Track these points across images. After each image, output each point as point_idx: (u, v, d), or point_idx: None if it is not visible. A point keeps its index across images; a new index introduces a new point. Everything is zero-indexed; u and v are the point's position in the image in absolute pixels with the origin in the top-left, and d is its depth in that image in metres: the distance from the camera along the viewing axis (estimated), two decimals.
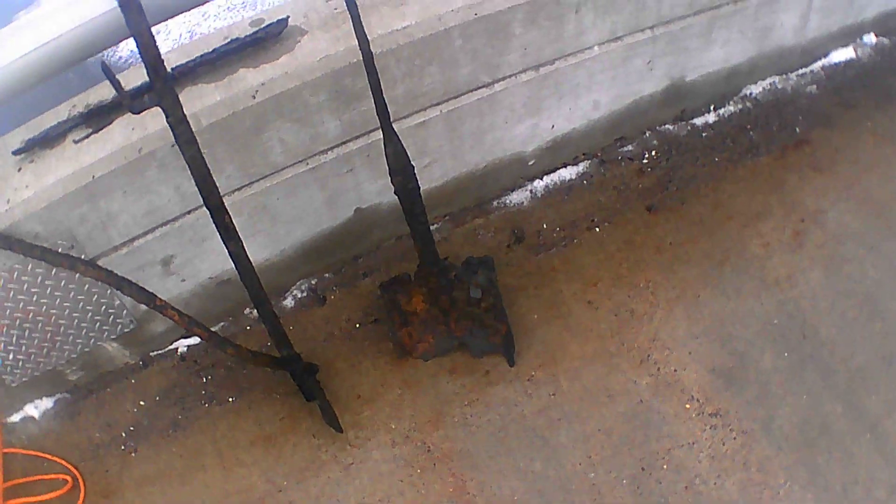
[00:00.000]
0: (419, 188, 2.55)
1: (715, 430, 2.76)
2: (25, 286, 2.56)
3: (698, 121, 3.72)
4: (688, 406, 2.82)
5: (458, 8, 2.69)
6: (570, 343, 2.98)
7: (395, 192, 2.54)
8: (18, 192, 2.44)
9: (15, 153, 2.52)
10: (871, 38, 4.06)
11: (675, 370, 2.90)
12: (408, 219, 2.61)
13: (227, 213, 2.24)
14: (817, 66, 3.94)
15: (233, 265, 2.34)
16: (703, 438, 2.75)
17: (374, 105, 2.40)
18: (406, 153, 2.46)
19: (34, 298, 2.61)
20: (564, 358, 2.95)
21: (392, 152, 2.45)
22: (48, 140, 2.56)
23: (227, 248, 2.29)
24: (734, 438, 2.74)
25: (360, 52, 2.31)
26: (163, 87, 2.03)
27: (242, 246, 2.30)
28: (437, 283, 2.88)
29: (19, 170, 2.51)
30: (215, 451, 2.86)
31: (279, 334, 2.56)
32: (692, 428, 2.77)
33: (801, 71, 3.91)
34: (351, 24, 2.31)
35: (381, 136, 2.50)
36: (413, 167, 2.49)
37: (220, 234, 2.28)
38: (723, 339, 2.97)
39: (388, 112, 2.41)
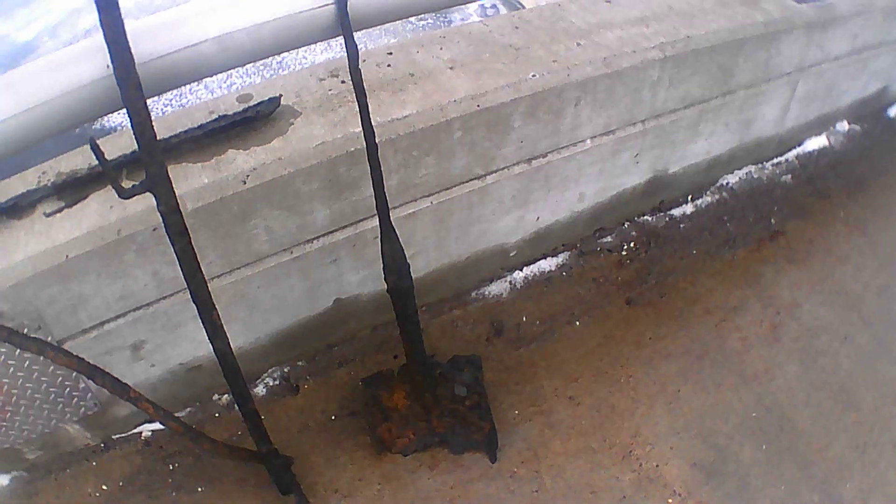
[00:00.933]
0: (413, 287, 2.46)
1: None
2: None
3: (676, 211, 3.83)
4: (670, 501, 2.81)
5: (460, 99, 2.70)
6: (552, 439, 2.98)
7: (388, 291, 2.49)
8: None
9: None
10: (843, 126, 4.25)
11: (657, 465, 2.90)
12: (399, 318, 2.57)
13: (216, 309, 2.16)
14: (792, 154, 4.11)
15: (204, 351, 2.18)
16: None
17: (368, 196, 2.34)
18: (403, 253, 2.44)
19: None
20: (547, 454, 2.93)
21: (389, 251, 2.39)
22: (16, 209, 2.41)
23: (212, 345, 2.22)
24: None
25: (361, 140, 2.28)
26: (157, 172, 1.92)
27: (229, 343, 2.24)
28: (421, 381, 2.88)
29: None
30: None
31: (259, 431, 2.51)
32: None
33: (776, 160, 4.07)
34: (347, 108, 2.19)
35: (369, 226, 2.45)
36: (409, 266, 2.48)
37: (206, 330, 2.19)
38: (703, 434, 2.99)
39: (388, 208, 2.29)
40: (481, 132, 2.76)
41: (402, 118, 2.60)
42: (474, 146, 2.79)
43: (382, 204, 2.31)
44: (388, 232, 2.36)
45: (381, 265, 2.43)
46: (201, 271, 2.05)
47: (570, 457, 2.90)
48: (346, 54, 2.13)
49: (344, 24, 2.07)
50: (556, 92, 2.82)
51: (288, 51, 2.17)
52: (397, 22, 2.41)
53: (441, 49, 2.93)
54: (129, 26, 1.74)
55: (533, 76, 2.80)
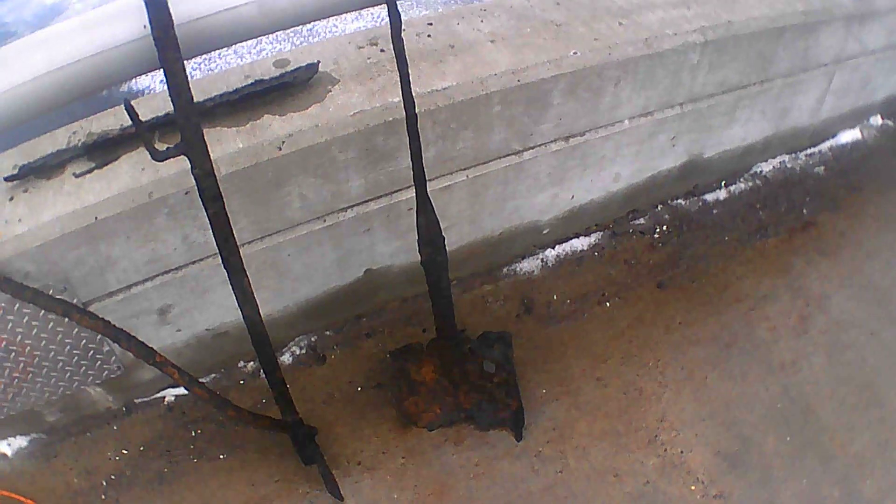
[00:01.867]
0: (447, 261, 2.41)
1: None
2: (10, 325, 2.37)
3: (709, 197, 3.78)
4: (693, 488, 2.78)
5: (500, 73, 2.65)
6: (578, 420, 2.95)
7: (421, 263, 2.47)
8: (10, 225, 2.24)
9: (7, 179, 2.34)
10: (877, 120, 4.19)
11: (682, 452, 2.87)
12: (431, 290, 2.53)
13: (247, 275, 2.13)
14: (825, 146, 4.05)
15: (232, 318, 2.13)
16: None
17: (404, 167, 2.28)
18: (439, 225, 2.40)
19: (18, 339, 2.41)
20: (573, 435, 2.90)
21: (425, 223, 2.35)
22: (45, 169, 2.38)
23: (241, 311, 2.20)
24: None
25: (400, 110, 2.26)
26: (193, 135, 1.87)
27: (258, 310, 2.21)
28: (450, 355, 2.84)
29: (11, 199, 2.32)
30: None
31: (285, 400, 2.49)
32: None
33: (809, 151, 4.01)
34: (386, 77, 2.11)
35: (404, 198, 2.37)
36: (444, 239, 2.44)
37: (236, 296, 2.16)
38: (728, 423, 2.95)
39: (426, 180, 2.20)
40: (520, 107, 2.71)
41: (441, 90, 2.55)
42: (513, 121, 2.74)
43: (420, 175, 2.27)
44: (424, 204, 2.32)
45: (415, 237, 2.40)
46: (234, 236, 2.02)
47: (596, 438, 2.87)
48: (385, 23, 2.07)
49: None
50: (597, 70, 2.76)
51: (331, 16, 2.11)
52: None
53: (482, 21, 2.87)
54: None
55: (574, 53, 2.74)
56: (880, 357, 3.17)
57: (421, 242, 2.39)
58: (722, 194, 3.76)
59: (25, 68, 1.76)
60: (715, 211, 3.68)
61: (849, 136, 4.08)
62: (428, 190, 2.33)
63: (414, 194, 2.32)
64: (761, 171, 3.85)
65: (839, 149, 4.03)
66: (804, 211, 3.73)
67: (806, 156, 3.96)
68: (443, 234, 2.39)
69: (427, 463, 2.80)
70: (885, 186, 3.91)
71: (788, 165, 3.90)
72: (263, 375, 2.45)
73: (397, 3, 2.04)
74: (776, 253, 3.54)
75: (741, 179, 3.81)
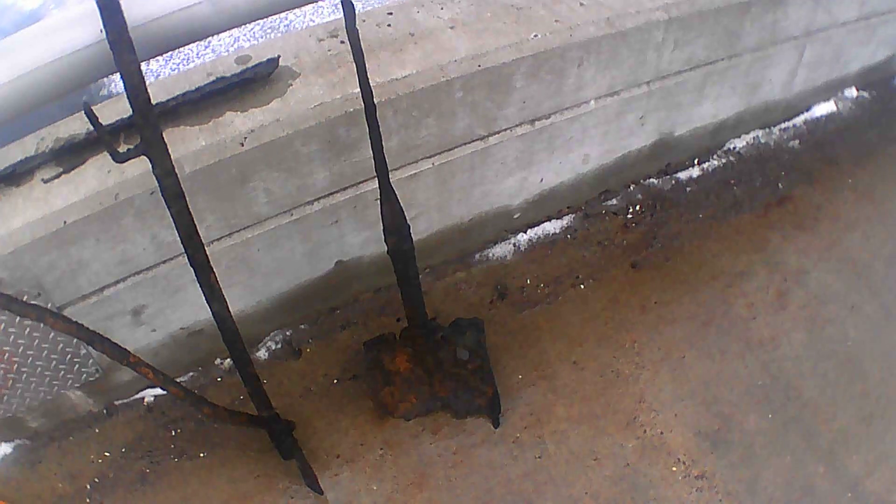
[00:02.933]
0: (413, 249, 2.43)
1: (701, 492, 2.74)
2: None
3: (682, 175, 3.78)
4: (674, 469, 2.79)
5: (460, 59, 2.66)
6: (555, 405, 2.95)
7: (388, 253, 2.48)
8: None
9: None
10: (852, 92, 4.19)
11: (662, 432, 2.88)
12: (399, 280, 2.55)
13: (213, 271, 2.15)
14: (800, 119, 4.07)
15: (205, 316, 2.15)
16: (689, 501, 2.72)
17: (368, 157, 2.33)
18: (403, 213, 2.41)
19: None
20: (550, 420, 2.91)
21: (389, 212, 2.36)
22: (14, 177, 2.40)
23: (210, 307, 2.21)
24: (720, 500, 2.71)
25: (360, 101, 2.24)
26: (152, 135, 1.90)
27: (227, 306, 2.22)
28: (423, 344, 2.86)
29: None
30: None
31: (260, 395, 2.49)
32: (678, 491, 2.74)
33: (784, 125, 4.01)
34: (346, 68, 2.13)
35: (370, 188, 2.39)
36: (409, 227, 2.46)
37: (204, 293, 2.18)
38: (708, 402, 2.96)
39: (388, 168, 2.25)
40: (483, 92, 2.71)
41: (401, 78, 2.56)
42: (476, 107, 2.75)
43: (381, 165, 2.28)
44: (387, 193, 2.34)
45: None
46: (198, 234, 2.04)
47: (574, 423, 2.88)
48: (348, 21, 2.09)
49: None
50: (559, 52, 2.76)
51: (283, 11, 2.14)
52: None
53: (442, 9, 2.87)
54: None
55: (535, 36, 2.74)
56: (861, 330, 3.18)
57: (386, 232, 2.40)
58: (695, 172, 3.76)
59: None
60: (688, 189, 3.69)
61: (823, 108, 4.08)
62: (393, 179, 2.35)
63: None
64: (734, 148, 3.85)
65: (814, 122, 4.02)
66: (779, 185, 3.73)
67: (780, 130, 3.96)
68: (408, 222, 2.40)
69: (405, 453, 2.81)
70: (862, 158, 3.91)
71: (762, 141, 3.90)
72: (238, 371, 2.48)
73: None
74: (752, 229, 3.54)
75: (714, 156, 3.81)
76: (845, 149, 3.94)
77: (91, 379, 2.76)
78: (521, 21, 2.81)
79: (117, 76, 1.83)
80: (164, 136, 1.90)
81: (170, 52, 2.09)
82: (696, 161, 3.78)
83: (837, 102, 4.11)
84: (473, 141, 2.88)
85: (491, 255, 3.42)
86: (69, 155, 2.41)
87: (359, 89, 2.15)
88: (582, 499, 2.71)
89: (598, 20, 2.85)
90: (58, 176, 2.36)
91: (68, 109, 2.49)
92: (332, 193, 2.72)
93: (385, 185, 2.33)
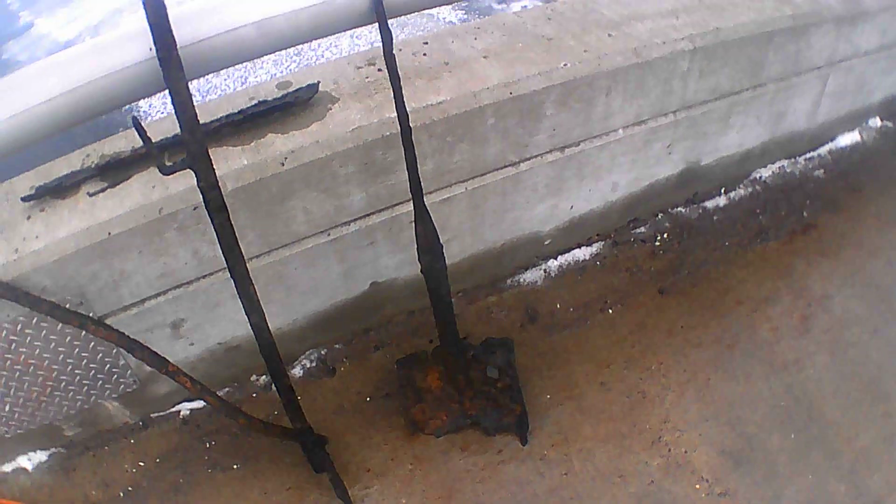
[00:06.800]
0: (446, 268, 2.52)
1: None
2: (28, 339, 2.49)
3: (709, 204, 3.85)
4: (697, 486, 2.83)
5: (493, 86, 2.75)
6: (582, 424, 3.01)
7: (421, 272, 2.55)
8: (28, 242, 2.37)
9: (24, 199, 2.46)
10: (876, 122, 4.26)
11: (686, 451, 2.93)
12: (432, 298, 2.62)
13: (252, 283, 2.22)
14: (824, 149, 4.13)
15: (243, 332, 2.25)
16: None
17: (403, 180, 2.40)
18: (436, 233, 2.48)
19: (36, 352, 2.55)
20: (577, 438, 2.97)
21: (422, 231, 2.44)
22: (60, 189, 2.50)
23: (248, 319, 2.28)
24: None
25: (396, 125, 2.30)
26: (197, 149, 1.98)
27: (265, 318, 2.29)
28: (454, 362, 2.92)
29: (28, 218, 2.44)
30: None
31: (294, 408, 2.56)
32: None
33: (808, 155, 4.09)
34: (383, 94, 2.25)
35: (405, 210, 2.48)
36: (442, 247, 2.52)
37: (243, 304, 2.25)
38: (732, 422, 3.01)
39: (422, 189, 2.35)
40: (514, 119, 2.81)
41: (436, 104, 2.65)
42: (507, 133, 2.84)
43: (416, 185, 2.36)
44: (421, 213, 2.41)
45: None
46: (239, 246, 2.11)
47: (600, 441, 2.93)
48: (381, 42, 2.20)
49: (378, 11, 2.13)
50: (587, 81, 2.86)
51: (324, 36, 2.23)
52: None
53: (476, 39, 2.97)
54: (172, 11, 1.82)
55: (564, 65, 2.83)
56: (884, 353, 3.21)
57: (420, 250, 2.46)
58: (722, 201, 3.83)
59: (41, 90, 1.89)
60: (715, 217, 3.76)
61: (848, 139, 4.14)
62: (427, 202, 2.44)
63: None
64: (761, 177, 3.92)
65: (838, 152, 4.09)
66: (804, 214, 3.79)
67: (805, 160, 4.02)
68: (440, 241, 2.46)
69: (435, 468, 2.87)
70: (886, 186, 3.97)
71: (788, 170, 3.96)
72: (273, 384, 2.56)
73: (387, 20, 2.20)
74: (777, 256, 3.61)
75: (741, 186, 3.88)
76: (869, 177, 4.00)
77: (128, 390, 2.84)
78: (552, 51, 2.91)
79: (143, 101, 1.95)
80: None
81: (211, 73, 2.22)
82: (722, 190, 3.85)
83: (861, 132, 4.17)
84: (505, 167, 2.97)
85: (522, 280, 3.50)
86: (114, 170, 2.51)
87: (394, 114, 2.27)
88: None
89: (625, 50, 2.94)
90: (103, 190, 2.45)
91: (107, 129, 2.63)
92: (368, 215, 2.80)
93: (419, 205, 2.40)
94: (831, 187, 3.94)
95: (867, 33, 3.71)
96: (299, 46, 2.62)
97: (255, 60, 2.43)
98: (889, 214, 3.83)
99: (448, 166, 2.82)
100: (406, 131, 2.27)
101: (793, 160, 3.99)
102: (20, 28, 6.69)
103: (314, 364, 3.19)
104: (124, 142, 2.60)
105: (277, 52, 2.22)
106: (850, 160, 4.08)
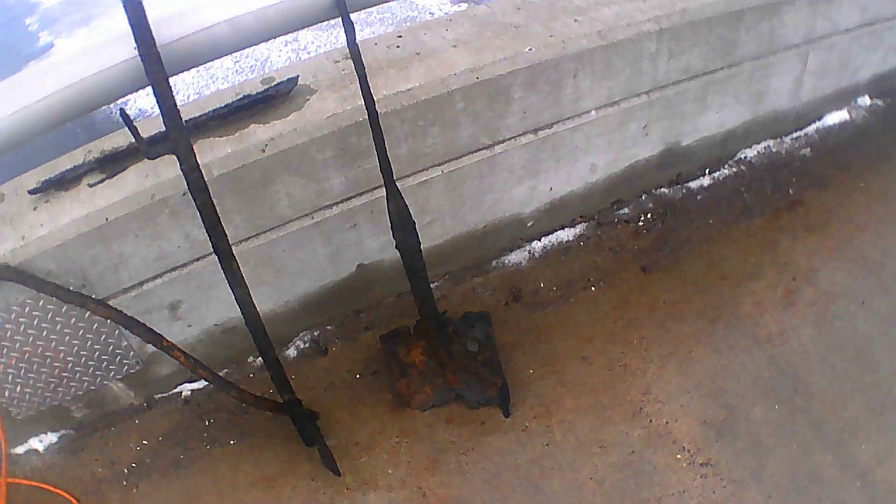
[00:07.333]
0: (420, 244, 2.70)
1: (705, 479, 2.82)
2: (36, 321, 2.70)
3: (693, 184, 3.91)
4: (679, 456, 2.89)
5: (460, 72, 2.89)
6: (564, 396, 3.09)
7: (396, 247, 2.69)
8: (34, 229, 2.59)
9: (31, 192, 2.70)
10: (865, 100, 4.26)
11: (667, 422, 2.98)
12: (408, 274, 2.76)
13: (235, 259, 2.37)
14: (811, 128, 4.14)
15: (237, 313, 2.41)
16: (693, 487, 2.81)
17: (378, 163, 2.50)
18: (408, 209, 2.61)
19: (44, 334, 2.74)
20: (559, 410, 3.05)
21: (395, 208, 2.58)
22: (63, 182, 2.73)
23: (233, 293, 2.42)
24: (724, 487, 2.80)
25: (366, 111, 2.46)
26: (178, 134, 2.19)
27: (248, 292, 2.43)
28: (435, 337, 3.04)
29: (35, 209, 2.67)
30: (215, 491, 2.95)
31: (281, 379, 2.68)
32: (683, 477, 2.83)
33: (795, 134, 4.11)
34: (357, 85, 2.40)
35: (385, 193, 2.58)
36: (414, 223, 2.65)
37: (227, 279, 2.41)
38: (714, 393, 3.06)
39: (392, 169, 2.55)
40: (483, 103, 2.93)
41: (406, 90, 2.81)
42: (478, 116, 2.97)
43: (385, 165, 2.53)
44: (392, 191, 2.57)
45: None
46: (220, 223, 2.29)
47: (581, 413, 3.02)
48: (361, 39, 2.39)
49: (340, 5, 2.31)
50: (553, 64, 2.97)
51: (293, 31, 2.40)
52: None
53: (447, 31, 3.11)
54: (151, 13, 2.04)
55: (529, 50, 2.96)
56: (873, 325, 3.24)
57: (393, 227, 2.62)
58: (706, 181, 3.88)
59: (38, 89, 2.12)
60: (699, 197, 3.81)
61: (836, 117, 4.16)
62: (404, 186, 2.60)
63: None
64: (746, 157, 3.96)
65: (826, 130, 4.11)
66: (790, 191, 3.83)
67: (791, 139, 4.05)
68: (413, 218, 2.61)
69: (420, 440, 2.98)
70: (875, 162, 3.98)
71: (773, 150, 4.00)
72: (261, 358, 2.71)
73: (349, 14, 2.35)
74: (762, 232, 3.65)
75: (725, 166, 3.93)
76: (858, 155, 4.02)
77: (132, 371, 3.02)
78: (519, 38, 3.03)
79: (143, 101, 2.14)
80: (193, 142, 2.20)
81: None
82: (706, 171, 3.90)
83: (850, 111, 4.19)
84: (480, 150, 3.09)
85: (507, 261, 3.60)
86: (112, 163, 2.73)
87: None
88: (587, 483, 2.82)
89: (590, 33, 3.05)
90: (102, 181, 2.67)
91: (108, 127, 2.81)
92: (349, 198, 2.96)
93: (390, 184, 2.56)
94: (819, 165, 3.96)
95: (846, 10, 3.73)
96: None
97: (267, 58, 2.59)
98: (878, 189, 3.85)
99: (422, 150, 2.95)
100: (373, 115, 2.44)
101: (779, 140, 4.03)
102: (40, 48, 6.82)
103: (307, 345, 3.33)
104: (123, 138, 2.81)
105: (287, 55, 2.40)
106: (838, 138, 4.10)
